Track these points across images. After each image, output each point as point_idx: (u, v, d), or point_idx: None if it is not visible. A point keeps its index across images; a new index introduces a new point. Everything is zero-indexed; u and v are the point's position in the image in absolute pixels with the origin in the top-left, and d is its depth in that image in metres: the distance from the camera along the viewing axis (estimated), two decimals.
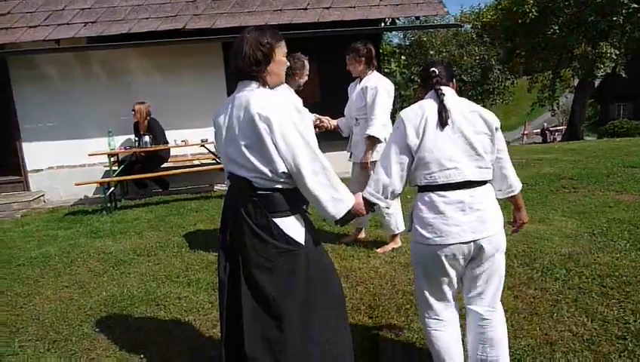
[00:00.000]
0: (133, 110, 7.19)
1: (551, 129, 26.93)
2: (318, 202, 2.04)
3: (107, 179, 6.77)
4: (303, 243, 2.06)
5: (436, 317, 2.25)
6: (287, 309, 2.04)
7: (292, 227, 2.05)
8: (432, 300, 2.25)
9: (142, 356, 2.86)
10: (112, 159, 7.06)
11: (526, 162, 8.28)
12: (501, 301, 2.40)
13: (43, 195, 7.74)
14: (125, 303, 3.62)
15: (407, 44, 19.27)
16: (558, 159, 8.43)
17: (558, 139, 20.99)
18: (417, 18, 7.87)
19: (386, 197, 2.21)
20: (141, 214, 6.31)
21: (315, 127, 4.24)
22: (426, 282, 2.23)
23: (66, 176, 7.62)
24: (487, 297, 2.24)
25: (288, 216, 2.06)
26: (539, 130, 26.14)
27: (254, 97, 1.98)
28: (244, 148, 1.99)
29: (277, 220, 2.03)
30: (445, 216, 2.11)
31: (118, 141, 7.58)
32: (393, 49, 9.85)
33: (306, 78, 4.10)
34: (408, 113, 2.21)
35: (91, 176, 7.29)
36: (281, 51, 2.09)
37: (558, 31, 14.79)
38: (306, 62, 4.02)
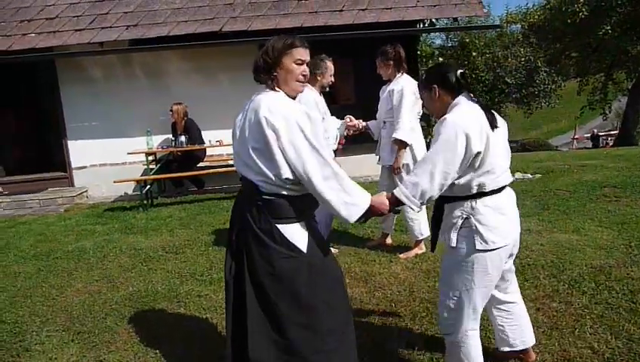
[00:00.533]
0: (171, 110, 7.43)
1: (601, 134, 25.72)
2: (330, 206, 2.03)
3: (144, 178, 7.01)
4: (305, 251, 2.07)
5: (476, 329, 2.26)
6: (289, 315, 2.06)
7: (295, 234, 2.06)
8: (479, 311, 2.23)
9: (157, 351, 2.95)
10: (150, 158, 7.31)
11: (568, 168, 7.93)
12: None
13: (86, 191, 8.10)
14: (149, 299, 3.74)
15: (450, 45, 18.88)
16: (603, 166, 8.02)
17: (611, 143, 20.00)
18: (455, 19, 7.71)
19: (422, 203, 2.16)
20: (174, 212, 6.50)
21: (346, 127, 4.25)
22: (483, 291, 2.20)
23: (108, 173, 7.90)
24: (514, 282, 2.50)
25: (292, 222, 2.07)
26: (589, 135, 25.05)
27: (264, 101, 2.01)
28: (251, 151, 2.02)
29: (280, 226, 2.04)
30: (508, 217, 2.21)
31: (157, 140, 7.84)
32: (433, 50, 9.68)
33: (331, 79, 4.10)
34: (467, 121, 2.09)
35: (132, 174, 7.55)
36: (290, 59, 2.08)
37: (610, 31, 14.10)
38: (329, 63, 4.02)
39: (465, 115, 2.13)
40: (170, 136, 7.69)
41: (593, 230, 4.57)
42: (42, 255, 5.05)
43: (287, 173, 1.98)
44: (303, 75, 2.14)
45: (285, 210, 2.04)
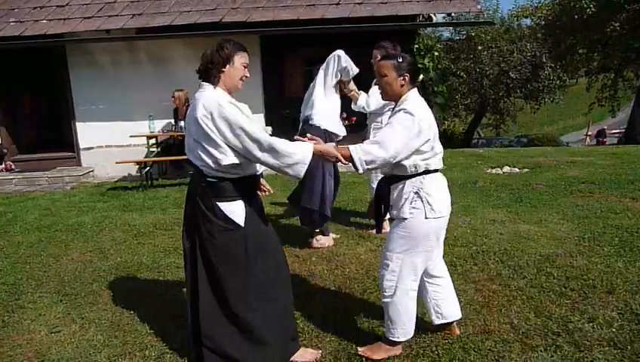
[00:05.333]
0: (173, 97, 7.80)
1: (614, 131, 25.38)
2: (277, 170, 2.36)
3: (143, 160, 7.43)
4: (242, 225, 2.41)
5: (415, 290, 2.61)
6: (227, 277, 2.43)
7: (234, 210, 2.40)
8: (419, 274, 2.59)
9: (132, 311, 3.34)
10: (151, 141, 7.71)
11: (556, 164, 8.13)
12: (461, 292, 3.18)
13: (92, 171, 8.56)
14: (133, 269, 4.13)
15: (457, 38, 18.96)
16: (592, 163, 8.19)
17: (607, 142, 19.89)
18: (449, 15, 7.91)
19: (367, 169, 2.46)
20: (171, 193, 6.90)
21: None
22: (424, 255, 2.55)
23: (113, 154, 8.32)
24: (442, 261, 2.78)
25: (231, 201, 2.40)
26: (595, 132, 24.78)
27: (202, 99, 2.32)
28: (193, 142, 2.37)
29: (220, 204, 2.39)
30: (446, 192, 2.59)
31: (159, 125, 8.23)
32: (433, 44, 9.85)
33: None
34: (423, 114, 2.45)
35: (135, 156, 7.97)
36: (239, 60, 2.41)
37: (618, 28, 14.03)
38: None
39: (420, 108, 2.48)
40: (172, 120, 8.08)
41: (555, 222, 4.83)
42: (44, 227, 5.49)
43: (226, 160, 2.30)
44: (246, 77, 2.47)
45: (225, 190, 2.39)
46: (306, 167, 2.35)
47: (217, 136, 2.27)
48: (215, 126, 2.26)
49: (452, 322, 2.83)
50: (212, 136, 2.27)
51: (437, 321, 2.79)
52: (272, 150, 2.29)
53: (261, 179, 2.76)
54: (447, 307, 2.78)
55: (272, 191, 2.83)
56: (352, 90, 4.53)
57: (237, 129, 2.25)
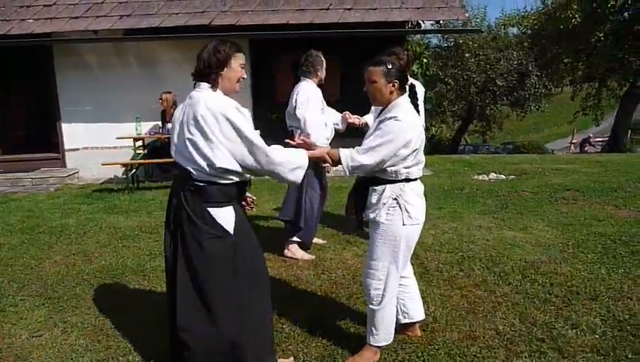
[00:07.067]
0: (161, 99, 7.74)
1: (599, 139, 25.77)
2: (279, 178, 2.40)
3: (129, 162, 7.36)
4: (232, 233, 2.34)
5: (395, 295, 2.67)
6: (213, 289, 2.34)
7: (223, 217, 2.33)
8: (399, 279, 2.65)
9: (115, 316, 3.28)
10: (138, 143, 7.64)
11: (541, 171, 8.24)
12: (447, 298, 3.29)
13: (77, 173, 8.45)
14: (118, 272, 4.08)
15: (445, 45, 19.18)
16: (576, 170, 8.32)
17: (589, 150, 20.22)
18: (437, 22, 7.99)
19: (352, 173, 2.53)
20: (157, 196, 6.84)
21: (345, 122, 4.38)
22: (403, 261, 2.60)
23: (99, 156, 8.24)
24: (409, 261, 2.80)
25: (221, 206, 2.33)
26: (581, 140, 25.16)
27: (203, 99, 2.27)
28: (187, 142, 2.28)
29: (210, 209, 2.31)
30: (423, 200, 2.63)
31: (146, 127, 8.15)
32: (423, 50, 9.96)
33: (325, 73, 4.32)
34: (413, 124, 2.48)
35: (122, 158, 7.87)
36: (237, 61, 2.36)
37: (602, 38, 14.30)
38: (323, 58, 4.25)
39: (411, 117, 2.49)
40: (159, 123, 8.02)
41: (539, 229, 4.89)
42: (27, 229, 5.40)
43: (220, 164, 2.25)
44: (243, 78, 2.44)
45: (215, 195, 2.31)
46: (305, 171, 2.46)
47: (217, 139, 2.22)
48: (219, 129, 2.21)
49: (416, 322, 2.88)
50: (211, 138, 2.22)
51: (403, 320, 2.84)
52: (274, 157, 2.33)
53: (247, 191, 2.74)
54: (413, 307, 2.85)
55: (256, 205, 2.78)
56: (358, 120, 4.39)
57: (243, 136, 2.24)
